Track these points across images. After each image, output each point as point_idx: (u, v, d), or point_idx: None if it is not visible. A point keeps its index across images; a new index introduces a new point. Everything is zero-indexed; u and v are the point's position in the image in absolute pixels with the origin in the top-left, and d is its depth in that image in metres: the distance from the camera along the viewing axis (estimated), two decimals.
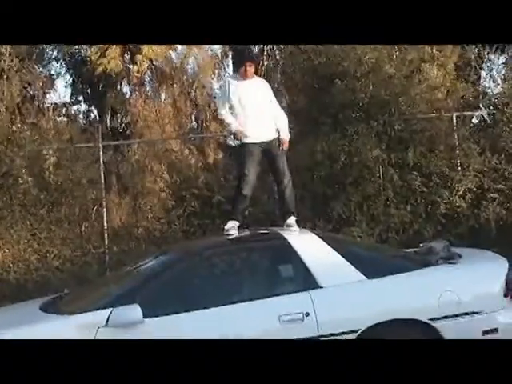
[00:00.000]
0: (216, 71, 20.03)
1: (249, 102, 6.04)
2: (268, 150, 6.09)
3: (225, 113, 6.18)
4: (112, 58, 17.95)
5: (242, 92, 6.07)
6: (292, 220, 5.96)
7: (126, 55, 18.45)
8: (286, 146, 6.13)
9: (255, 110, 6.05)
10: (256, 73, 6.38)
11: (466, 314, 4.76)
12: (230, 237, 5.78)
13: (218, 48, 19.23)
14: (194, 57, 19.53)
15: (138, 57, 18.11)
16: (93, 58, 18.09)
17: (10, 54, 13.00)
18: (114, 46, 17.46)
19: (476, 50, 11.86)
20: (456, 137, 9.54)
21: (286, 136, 6.19)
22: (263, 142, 6.06)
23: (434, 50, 10.10)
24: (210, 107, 16.79)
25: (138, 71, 18.07)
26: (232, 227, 5.88)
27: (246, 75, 6.11)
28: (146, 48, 17.77)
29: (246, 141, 6.02)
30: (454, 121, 9.69)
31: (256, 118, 6.03)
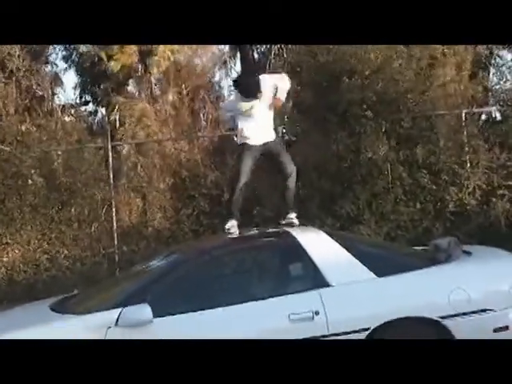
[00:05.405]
0: (224, 70, 20.11)
1: (254, 108, 6.09)
2: (270, 149, 6.17)
3: (227, 116, 6.51)
4: (118, 58, 18.00)
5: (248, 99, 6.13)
6: (292, 215, 6.06)
7: (134, 56, 18.44)
8: (277, 103, 6.19)
9: (259, 115, 6.12)
10: None
11: (477, 311, 4.73)
12: (234, 235, 5.82)
13: (225, 47, 19.27)
14: (201, 56, 19.58)
15: (154, 57, 18.17)
16: (101, 57, 18.14)
17: (19, 56, 13.07)
18: (122, 46, 17.49)
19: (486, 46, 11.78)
20: (465, 134, 9.49)
21: (281, 96, 6.24)
22: (265, 144, 6.14)
23: (444, 48, 10.02)
24: (218, 106, 16.82)
25: (152, 71, 18.12)
26: (232, 226, 5.94)
27: None
28: (157, 49, 17.82)
29: (248, 142, 6.09)
30: (463, 118, 9.63)
31: (259, 123, 6.12)
